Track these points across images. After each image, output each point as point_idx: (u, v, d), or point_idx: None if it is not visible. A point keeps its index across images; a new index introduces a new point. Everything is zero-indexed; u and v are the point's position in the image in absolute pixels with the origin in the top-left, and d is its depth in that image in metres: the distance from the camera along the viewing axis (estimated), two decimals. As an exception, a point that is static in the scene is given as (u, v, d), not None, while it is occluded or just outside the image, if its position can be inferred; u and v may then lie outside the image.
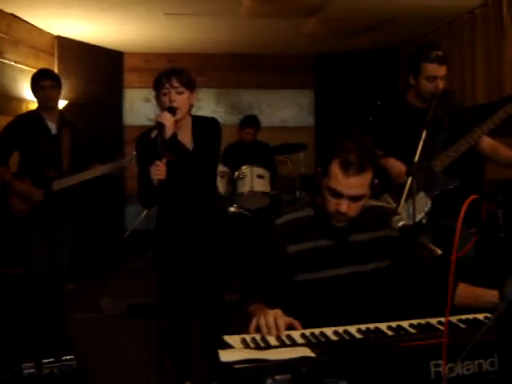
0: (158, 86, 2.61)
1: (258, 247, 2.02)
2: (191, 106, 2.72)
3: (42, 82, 3.57)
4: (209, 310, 2.77)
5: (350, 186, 1.78)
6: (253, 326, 1.58)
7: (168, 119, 2.50)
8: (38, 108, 3.72)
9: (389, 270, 1.94)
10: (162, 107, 2.60)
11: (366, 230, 1.94)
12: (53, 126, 3.65)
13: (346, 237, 1.93)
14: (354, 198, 1.80)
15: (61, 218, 3.68)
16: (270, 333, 1.54)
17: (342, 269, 1.91)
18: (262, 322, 1.57)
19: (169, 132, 2.50)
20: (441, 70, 2.86)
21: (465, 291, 1.84)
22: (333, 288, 1.89)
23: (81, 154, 3.72)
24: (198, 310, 2.79)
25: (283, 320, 1.59)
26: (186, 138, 2.67)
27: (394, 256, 1.95)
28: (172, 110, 2.56)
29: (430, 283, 1.89)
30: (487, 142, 2.94)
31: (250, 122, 5.57)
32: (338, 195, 1.80)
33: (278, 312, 1.62)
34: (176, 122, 2.59)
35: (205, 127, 2.70)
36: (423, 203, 2.85)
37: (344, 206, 1.80)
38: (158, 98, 2.64)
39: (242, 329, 1.60)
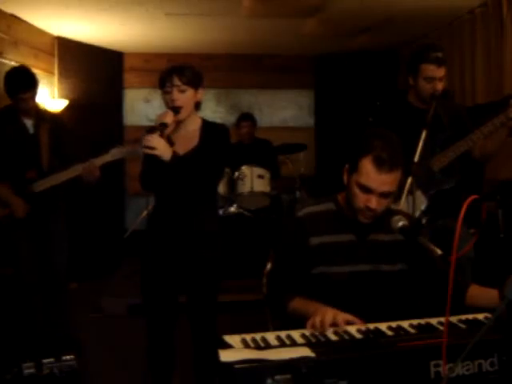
0: (161, 85, 2.61)
1: (280, 241, 2.04)
2: (198, 104, 2.68)
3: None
4: (200, 313, 2.70)
5: (381, 183, 1.81)
6: (309, 323, 1.64)
7: (158, 144, 2.46)
8: (13, 102, 3.45)
9: (400, 274, 1.95)
10: (166, 106, 2.60)
11: (385, 231, 1.94)
12: (29, 123, 3.46)
13: (366, 234, 1.95)
14: (384, 195, 1.84)
15: (47, 218, 3.56)
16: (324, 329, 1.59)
17: (359, 266, 1.93)
18: (317, 320, 1.61)
19: (167, 156, 2.47)
20: (439, 72, 2.85)
21: (478, 292, 1.85)
22: (347, 284, 1.91)
23: (61, 150, 3.54)
24: (189, 312, 2.71)
25: (342, 317, 1.63)
26: (189, 135, 2.64)
27: (407, 261, 1.96)
28: (175, 110, 2.56)
29: (443, 285, 1.88)
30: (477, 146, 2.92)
31: (245, 116, 5.78)
32: (368, 191, 1.83)
33: (336, 311, 1.66)
34: (180, 121, 2.60)
35: (215, 133, 2.65)
36: (419, 202, 2.85)
37: (374, 202, 1.83)
38: (162, 96, 2.64)
39: (239, 329, 1.60)
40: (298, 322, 1.74)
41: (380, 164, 1.79)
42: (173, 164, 2.50)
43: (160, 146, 2.47)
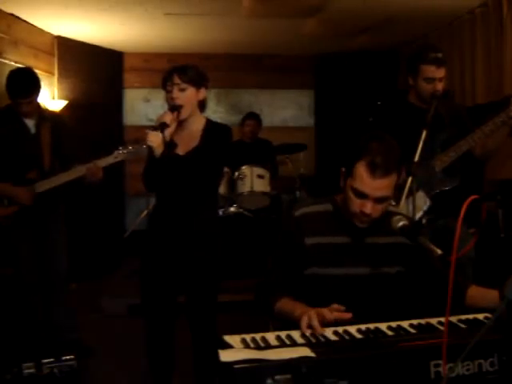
0: (163, 85, 2.62)
1: (277, 240, 2.03)
2: (202, 103, 2.67)
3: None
4: (200, 313, 2.70)
5: (375, 188, 1.79)
6: (304, 324, 1.62)
7: (155, 139, 2.48)
8: (13, 103, 3.41)
9: (398, 276, 1.95)
10: (168, 106, 2.60)
11: (383, 233, 1.94)
12: (31, 123, 3.44)
13: (362, 237, 1.94)
14: (379, 200, 1.82)
15: (47, 218, 3.55)
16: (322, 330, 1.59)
17: (355, 269, 1.92)
18: (314, 322, 1.60)
19: (157, 152, 2.49)
20: (439, 72, 2.86)
21: (477, 293, 1.85)
22: (341, 286, 1.90)
23: (61, 150, 3.51)
24: (189, 312, 2.72)
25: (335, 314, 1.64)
26: (192, 135, 2.64)
27: (404, 264, 1.95)
28: (175, 108, 2.56)
29: (443, 286, 1.89)
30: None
31: (251, 115, 5.84)
32: (363, 196, 1.81)
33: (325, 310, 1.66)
34: (180, 121, 2.60)
35: (217, 133, 2.65)
36: (422, 202, 2.86)
37: (369, 208, 1.81)
38: (165, 97, 2.64)
39: (239, 329, 1.60)
40: (292, 322, 1.73)
41: (374, 169, 1.77)
42: (163, 161, 2.50)
43: (154, 140, 2.48)
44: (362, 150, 1.81)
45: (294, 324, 1.71)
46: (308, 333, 1.60)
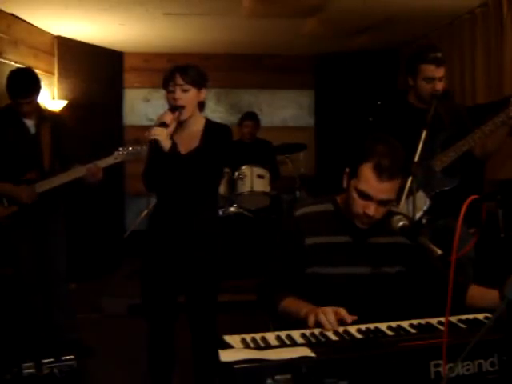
0: (164, 85, 2.61)
1: (275, 240, 2.03)
2: (201, 104, 2.67)
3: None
4: (200, 313, 2.70)
5: (381, 191, 1.80)
6: (312, 322, 1.63)
7: (160, 133, 2.47)
8: (13, 103, 3.41)
9: (398, 276, 1.95)
10: (169, 106, 2.60)
11: (383, 233, 1.94)
12: (31, 123, 3.44)
13: (363, 237, 1.94)
14: (383, 202, 1.83)
15: (47, 218, 3.55)
16: (332, 327, 1.60)
17: (355, 268, 1.92)
18: (323, 318, 1.61)
19: (166, 145, 2.47)
20: (439, 72, 2.86)
21: (477, 293, 1.85)
22: (342, 286, 1.91)
23: (61, 150, 3.52)
24: (189, 312, 2.72)
25: (344, 312, 1.64)
26: (192, 135, 2.64)
27: (405, 263, 1.96)
28: (177, 109, 2.56)
29: (443, 286, 1.89)
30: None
31: (249, 115, 5.79)
32: (367, 198, 1.82)
33: (334, 308, 1.66)
34: (180, 122, 2.60)
35: (217, 133, 2.65)
36: (422, 202, 2.86)
37: (372, 209, 1.82)
38: (166, 97, 2.63)
39: (239, 329, 1.60)
40: (297, 321, 1.73)
41: (380, 172, 1.78)
42: (171, 155, 2.49)
43: (160, 134, 2.47)
44: (368, 152, 1.82)
45: (294, 324, 1.71)
46: (310, 331, 1.60)
